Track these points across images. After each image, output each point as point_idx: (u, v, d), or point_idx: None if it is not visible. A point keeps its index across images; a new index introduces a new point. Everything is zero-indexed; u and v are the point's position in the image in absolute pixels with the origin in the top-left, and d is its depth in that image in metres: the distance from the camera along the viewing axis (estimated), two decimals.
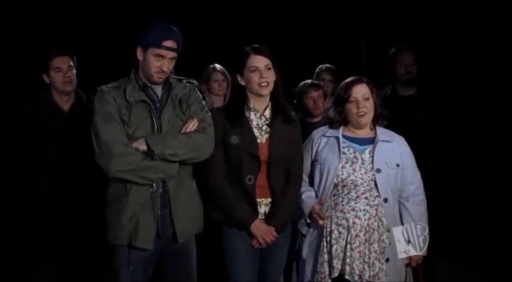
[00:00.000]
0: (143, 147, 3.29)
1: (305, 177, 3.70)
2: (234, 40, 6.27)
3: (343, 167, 3.53)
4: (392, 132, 3.66)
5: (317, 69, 5.60)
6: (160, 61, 3.35)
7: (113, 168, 3.25)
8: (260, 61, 3.52)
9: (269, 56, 3.55)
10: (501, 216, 5.20)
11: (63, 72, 4.01)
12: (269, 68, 3.53)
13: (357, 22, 6.73)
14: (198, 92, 3.59)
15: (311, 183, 3.68)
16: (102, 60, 5.85)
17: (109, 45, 6.14)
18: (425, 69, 4.95)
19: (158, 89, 3.44)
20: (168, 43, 3.34)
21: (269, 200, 3.57)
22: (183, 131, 3.42)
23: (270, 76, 3.53)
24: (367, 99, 3.56)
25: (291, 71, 4.54)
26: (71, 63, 4.05)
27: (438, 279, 4.64)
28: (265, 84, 3.52)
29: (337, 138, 3.60)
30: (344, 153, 3.56)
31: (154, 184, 3.34)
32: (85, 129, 3.37)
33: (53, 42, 5.37)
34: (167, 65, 3.37)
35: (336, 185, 3.53)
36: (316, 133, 3.71)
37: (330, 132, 3.65)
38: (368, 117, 3.58)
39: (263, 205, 3.56)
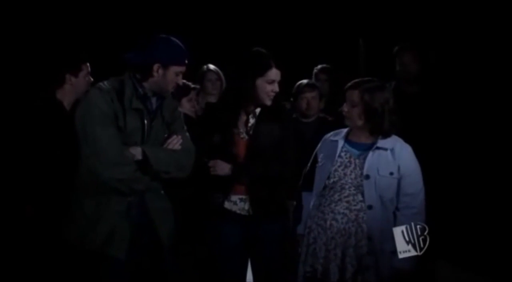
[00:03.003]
0: (139, 157, 3.31)
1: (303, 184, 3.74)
2: (233, 41, 6.29)
3: (336, 170, 3.53)
4: (396, 140, 3.57)
5: (314, 70, 5.63)
6: (179, 76, 3.42)
7: (106, 175, 3.25)
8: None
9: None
10: (501, 216, 5.19)
11: (88, 78, 4.07)
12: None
13: (355, 22, 6.72)
14: (180, 109, 3.70)
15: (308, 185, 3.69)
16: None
17: (104, 45, 6.14)
18: (425, 67, 4.97)
19: (154, 100, 3.46)
20: (186, 60, 3.43)
21: (247, 196, 3.65)
22: (166, 145, 3.44)
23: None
24: (353, 106, 3.52)
25: (289, 71, 4.54)
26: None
27: (438, 279, 4.63)
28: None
29: (336, 142, 3.59)
30: (340, 157, 3.55)
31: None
32: None
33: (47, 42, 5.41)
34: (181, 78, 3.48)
35: (326, 186, 3.53)
36: (325, 136, 3.72)
37: (334, 135, 3.65)
38: (350, 122, 3.55)
39: (240, 201, 3.65)
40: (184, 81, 4.74)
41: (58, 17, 6.22)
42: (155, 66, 3.35)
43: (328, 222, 3.47)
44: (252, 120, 3.69)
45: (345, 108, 3.54)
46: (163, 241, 3.42)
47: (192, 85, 4.81)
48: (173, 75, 3.39)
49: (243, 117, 3.69)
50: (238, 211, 3.65)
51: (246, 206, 3.64)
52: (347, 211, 3.46)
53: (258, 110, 3.70)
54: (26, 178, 3.91)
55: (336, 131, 3.70)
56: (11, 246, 4.03)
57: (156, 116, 3.44)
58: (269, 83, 3.62)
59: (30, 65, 5.54)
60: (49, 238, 3.88)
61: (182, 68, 3.42)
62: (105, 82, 3.41)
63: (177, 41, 3.43)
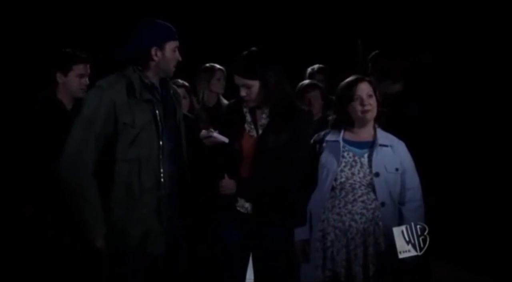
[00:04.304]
0: None
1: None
2: (231, 41, 6.29)
3: (342, 171, 3.52)
4: (392, 136, 3.63)
5: (309, 70, 5.58)
6: (176, 52, 3.40)
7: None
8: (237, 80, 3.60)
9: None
10: (499, 215, 5.21)
11: (82, 80, 4.04)
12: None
13: (354, 23, 6.74)
14: None
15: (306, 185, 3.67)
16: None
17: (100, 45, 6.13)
18: (419, 68, 4.97)
19: (158, 88, 3.43)
20: (176, 34, 3.41)
21: None
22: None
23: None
24: (370, 96, 3.55)
25: (287, 72, 4.54)
26: (89, 72, 4.09)
27: (435, 279, 4.64)
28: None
29: (337, 142, 3.59)
30: (343, 157, 3.55)
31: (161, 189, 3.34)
32: None
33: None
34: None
35: (334, 188, 3.52)
36: (316, 137, 3.70)
37: (330, 136, 3.64)
38: (373, 114, 3.58)
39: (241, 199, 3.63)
40: (179, 80, 4.75)
41: (56, 18, 6.22)
42: (153, 50, 3.33)
43: (347, 223, 3.47)
44: (264, 120, 3.63)
45: (366, 101, 3.54)
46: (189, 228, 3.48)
47: (181, 82, 4.81)
48: (171, 53, 3.36)
49: (254, 115, 3.65)
50: (238, 208, 3.63)
51: (246, 205, 3.62)
52: (364, 211, 3.47)
53: (266, 112, 3.63)
54: (26, 178, 3.91)
55: (327, 131, 3.69)
56: (11, 246, 4.03)
57: (168, 106, 3.43)
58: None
59: (25, 65, 5.55)
60: (49, 238, 3.90)
61: (176, 43, 3.39)
62: (109, 79, 3.36)
63: (158, 20, 3.41)
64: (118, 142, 3.28)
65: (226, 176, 3.58)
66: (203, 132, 3.67)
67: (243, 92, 3.56)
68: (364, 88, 3.56)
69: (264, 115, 3.63)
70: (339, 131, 3.62)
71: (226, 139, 3.60)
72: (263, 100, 3.57)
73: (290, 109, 3.61)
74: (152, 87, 3.38)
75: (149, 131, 3.31)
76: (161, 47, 3.34)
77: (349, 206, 3.48)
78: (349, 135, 3.61)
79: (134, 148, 3.28)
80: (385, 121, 3.66)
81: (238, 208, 3.63)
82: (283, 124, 3.57)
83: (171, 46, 3.36)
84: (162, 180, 3.34)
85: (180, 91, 4.60)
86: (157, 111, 3.34)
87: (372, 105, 3.55)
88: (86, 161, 3.22)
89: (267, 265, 3.66)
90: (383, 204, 3.49)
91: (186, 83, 4.92)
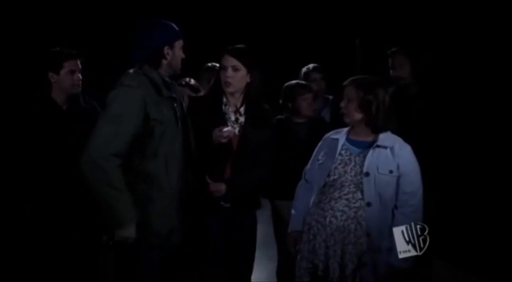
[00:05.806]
0: None
1: (303, 181, 3.77)
2: (229, 41, 6.30)
3: (336, 168, 3.54)
4: (396, 139, 3.59)
5: (304, 70, 5.55)
6: (181, 50, 3.50)
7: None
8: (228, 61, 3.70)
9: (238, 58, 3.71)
10: (499, 216, 5.22)
11: (75, 75, 4.04)
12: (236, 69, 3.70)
13: (352, 23, 6.75)
14: None
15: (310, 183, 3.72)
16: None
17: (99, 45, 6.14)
18: (420, 68, 4.97)
19: (173, 84, 3.53)
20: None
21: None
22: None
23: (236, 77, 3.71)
24: (348, 101, 3.55)
25: (285, 71, 4.55)
26: (80, 67, 4.08)
27: (435, 279, 4.65)
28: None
29: (337, 140, 3.61)
30: (341, 155, 3.56)
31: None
32: (82, 128, 3.45)
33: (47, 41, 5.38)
34: None
35: (326, 184, 3.54)
36: (326, 134, 3.73)
37: (335, 133, 3.67)
38: (348, 119, 3.56)
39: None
40: (186, 78, 4.74)
41: (49, 19, 6.22)
42: (165, 50, 3.41)
43: (328, 219, 3.48)
44: (241, 118, 3.76)
45: (343, 104, 3.56)
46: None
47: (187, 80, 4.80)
48: (179, 51, 3.47)
49: (233, 114, 3.76)
50: (222, 203, 3.74)
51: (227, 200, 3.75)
52: (346, 209, 3.47)
53: (241, 111, 3.77)
54: (26, 178, 3.90)
55: (337, 130, 3.72)
56: (11, 246, 4.03)
57: (178, 103, 3.50)
58: (221, 68, 3.71)
59: (18, 68, 5.55)
60: (49, 238, 3.90)
61: (182, 41, 3.49)
62: (133, 77, 3.37)
63: (162, 19, 3.49)
64: (147, 139, 3.32)
65: (208, 178, 3.65)
66: (227, 129, 3.67)
67: (229, 73, 3.67)
68: (346, 93, 3.56)
69: (240, 113, 3.76)
70: (344, 130, 3.64)
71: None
72: (242, 88, 3.72)
73: (263, 109, 3.83)
74: (170, 84, 3.46)
75: (173, 127, 3.39)
76: (172, 46, 3.43)
77: (332, 203, 3.49)
78: (352, 134, 3.63)
79: (162, 144, 3.34)
80: (381, 125, 3.62)
81: (222, 203, 3.74)
82: (261, 122, 3.77)
83: (179, 45, 3.46)
84: (182, 175, 3.43)
85: (186, 90, 4.62)
86: (176, 109, 3.43)
87: (347, 109, 3.54)
88: (114, 153, 3.21)
89: (241, 252, 3.86)
90: (369, 204, 3.46)
91: (193, 81, 4.90)
